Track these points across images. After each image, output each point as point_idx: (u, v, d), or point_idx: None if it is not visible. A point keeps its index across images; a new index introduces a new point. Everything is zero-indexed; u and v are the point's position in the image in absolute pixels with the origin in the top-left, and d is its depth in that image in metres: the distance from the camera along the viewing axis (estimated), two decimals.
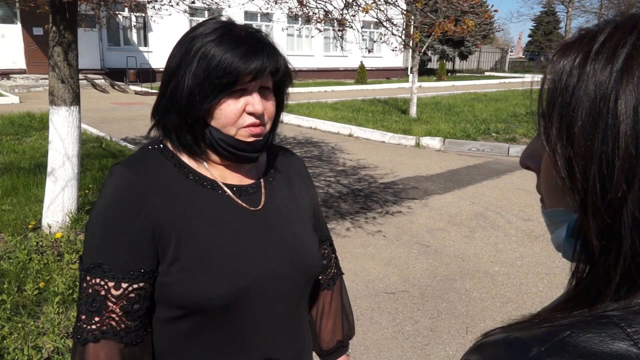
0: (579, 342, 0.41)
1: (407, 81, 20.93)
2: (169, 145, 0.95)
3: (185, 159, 0.94)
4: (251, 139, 0.91)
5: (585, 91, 0.45)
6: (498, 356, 0.44)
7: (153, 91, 15.92)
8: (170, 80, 0.89)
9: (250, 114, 0.89)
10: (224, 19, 0.93)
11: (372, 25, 19.54)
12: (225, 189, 0.95)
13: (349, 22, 4.62)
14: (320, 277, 1.17)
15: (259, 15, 19.53)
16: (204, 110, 0.87)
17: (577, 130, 0.44)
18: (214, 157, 0.95)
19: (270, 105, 0.93)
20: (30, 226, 4.04)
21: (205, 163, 0.95)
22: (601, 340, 0.41)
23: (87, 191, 4.82)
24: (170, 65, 0.90)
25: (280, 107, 0.99)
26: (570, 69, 0.46)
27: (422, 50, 13.04)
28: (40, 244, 3.70)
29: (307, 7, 4.69)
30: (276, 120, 0.99)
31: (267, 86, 0.92)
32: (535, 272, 3.88)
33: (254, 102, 0.88)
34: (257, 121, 0.90)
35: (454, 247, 4.37)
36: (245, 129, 0.90)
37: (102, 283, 0.86)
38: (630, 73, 0.42)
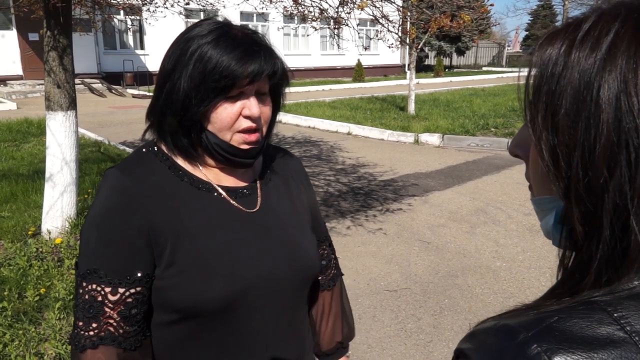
0: (566, 327, 0.41)
1: (405, 78, 20.90)
2: (164, 148, 0.94)
3: (179, 161, 0.93)
4: (246, 147, 0.90)
5: (570, 79, 0.45)
6: (488, 343, 0.45)
7: (150, 94, 15.77)
8: (166, 82, 0.87)
9: (246, 117, 0.88)
10: (219, 19, 0.91)
11: (368, 23, 19.50)
12: (221, 191, 0.94)
13: (345, 19, 4.61)
14: (320, 278, 1.16)
15: (254, 15, 19.50)
16: (200, 113, 0.86)
17: (561, 118, 0.45)
18: (210, 160, 0.94)
19: (266, 109, 0.92)
20: (29, 232, 4.03)
21: (200, 166, 0.94)
22: (588, 325, 0.41)
23: (86, 196, 4.81)
24: (165, 67, 0.88)
25: (276, 109, 0.98)
26: (555, 57, 0.46)
27: (419, 47, 13.04)
28: (40, 250, 3.69)
29: (303, 6, 4.68)
30: (272, 123, 0.98)
31: (263, 89, 0.90)
32: (537, 267, 3.88)
33: (251, 105, 0.87)
34: (254, 125, 0.89)
35: (455, 243, 4.36)
36: (240, 134, 0.89)
37: (99, 289, 0.85)
38: (613, 61, 0.43)
